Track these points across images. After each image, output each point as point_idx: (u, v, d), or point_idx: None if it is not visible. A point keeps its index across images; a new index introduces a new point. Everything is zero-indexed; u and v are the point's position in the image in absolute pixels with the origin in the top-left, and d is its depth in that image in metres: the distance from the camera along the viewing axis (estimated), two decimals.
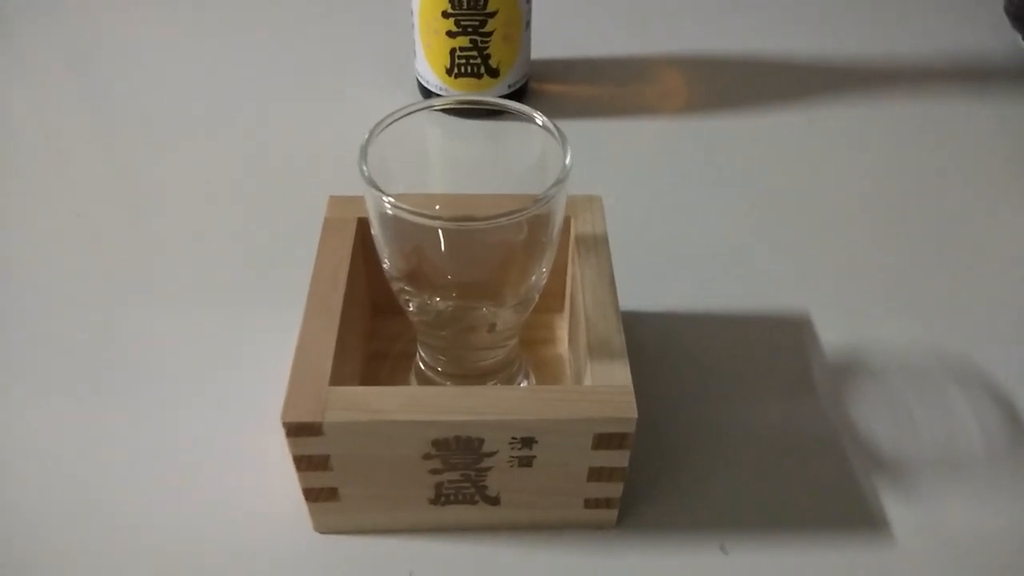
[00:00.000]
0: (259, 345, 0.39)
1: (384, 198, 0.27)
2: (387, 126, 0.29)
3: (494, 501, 0.32)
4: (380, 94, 0.57)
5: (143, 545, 0.33)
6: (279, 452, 0.31)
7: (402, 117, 0.30)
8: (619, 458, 0.30)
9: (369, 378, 0.37)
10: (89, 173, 0.51)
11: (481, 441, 0.29)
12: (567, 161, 0.28)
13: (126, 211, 0.48)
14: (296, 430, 0.28)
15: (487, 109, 0.31)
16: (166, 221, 0.47)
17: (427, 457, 0.29)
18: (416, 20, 0.52)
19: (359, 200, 0.35)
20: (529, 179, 0.31)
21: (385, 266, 0.31)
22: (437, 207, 0.33)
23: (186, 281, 0.44)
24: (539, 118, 0.30)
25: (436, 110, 0.31)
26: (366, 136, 0.29)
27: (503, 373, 0.35)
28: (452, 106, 0.32)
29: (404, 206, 0.27)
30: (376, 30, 0.63)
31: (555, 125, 0.29)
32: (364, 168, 0.28)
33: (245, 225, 0.47)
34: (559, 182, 0.28)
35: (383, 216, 0.28)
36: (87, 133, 0.54)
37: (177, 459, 0.35)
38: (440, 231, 0.28)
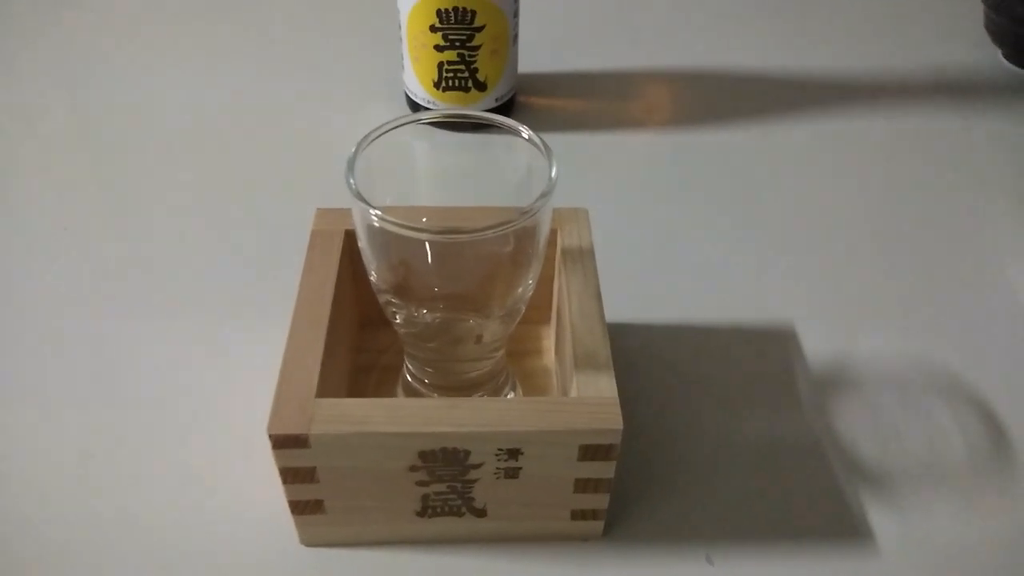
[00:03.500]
0: (246, 357, 0.39)
1: (371, 211, 0.27)
2: (374, 139, 0.29)
3: (480, 513, 0.32)
4: (368, 107, 0.57)
5: (129, 557, 0.32)
6: (265, 464, 0.31)
7: (389, 130, 0.30)
8: (605, 469, 0.30)
9: (355, 390, 0.37)
10: (77, 187, 0.51)
11: (467, 453, 0.29)
12: (553, 174, 0.29)
13: (114, 224, 0.48)
14: (282, 442, 0.28)
15: (474, 122, 0.32)
16: (154, 234, 0.47)
17: (413, 469, 0.30)
18: (404, 34, 0.52)
19: (346, 212, 0.35)
20: (515, 192, 0.31)
21: (372, 278, 0.31)
22: (424, 219, 0.33)
23: (173, 293, 0.44)
24: (525, 132, 0.30)
25: (423, 123, 0.31)
26: (353, 149, 0.29)
27: (490, 384, 0.35)
28: (439, 119, 0.32)
29: (391, 219, 0.27)
30: (364, 43, 0.64)
31: (541, 138, 0.30)
32: (351, 181, 0.28)
33: (232, 237, 0.47)
34: (545, 195, 0.28)
35: (370, 228, 0.28)
36: (75, 146, 0.54)
37: (162, 471, 0.35)
38: (427, 243, 0.28)
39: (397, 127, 0.30)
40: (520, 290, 0.31)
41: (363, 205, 0.27)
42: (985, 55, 0.64)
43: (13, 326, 0.42)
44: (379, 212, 0.27)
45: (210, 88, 0.59)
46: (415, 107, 0.55)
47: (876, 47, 0.65)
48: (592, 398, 0.29)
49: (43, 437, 0.36)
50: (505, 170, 0.33)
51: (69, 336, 0.41)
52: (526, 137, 0.30)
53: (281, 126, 0.56)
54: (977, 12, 0.65)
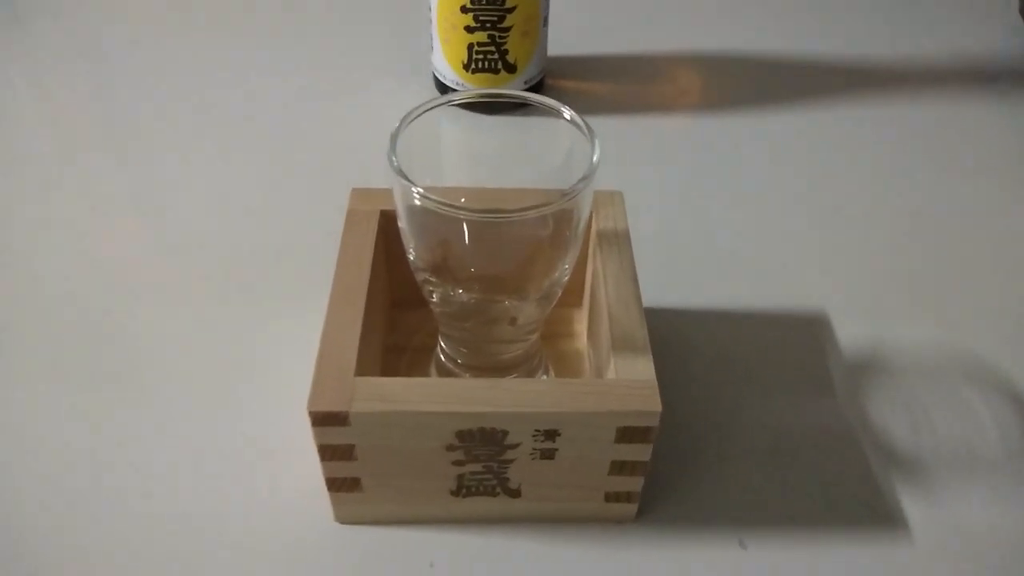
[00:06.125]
0: (283, 335, 0.39)
1: (413, 189, 0.27)
2: (416, 117, 0.29)
3: (515, 493, 0.32)
4: (396, 89, 0.57)
5: (165, 534, 0.33)
6: (300, 442, 0.31)
7: (431, 109, 0.30)
8: (641, 452, 0.30)
9: (388, 370, 0.37)
10: (107, 172, 0.51)
11: (505, 433, 0.29)
12: (595, 157, 0.29)
13: (147, 207, 0.48)
14: (322, 419, 0.28)
15: (511, 103, 0.31)
16: (189, 216, 0.47)
17: (450, 448, 0.30)
18: (434, 15, 0.52)
19: (381, 192, 0.35)
20: (552, 174, 0.31)
21: (410, 257, 0.31)
22: (463, 200, 0.33)
23: (210, 273, 0.44)
24: (567, 112, 0.30)
25: (461, 104, 0.31)
26: (396, 126, 0.29)
27: (524, 367, 0.35)
28: (479, 100, 0.32)
29: (433, 197, 0.27)
30: (392, 25, 0.63)
31: (583, 120, 0.30)
32: (394, 159, 0.28)
33: (267, 218, 0.47)
34: (587, 177, 0.28)
35: (411, 207, 0.28)
36: (106, 131, 0.54)
37: (200, 448, 0.35)
38: (466, 224, 0.28)
39: (439, 105, 0.30)
40: (557, 274, 0.31)
41: (405, 183, 0.27)
42: (1019, 41, 0.63)
43: (47, 311, 0.42)
44: (421, 190, 0.27)
45: (239, 70, 0.59)
46: (444, 89, 0.55)
47: (909, 32, 0.65)
48: (631, 380, 0.29)
49: (81, 418, 0.37)
50: (543, 152, 0.33)
51: (103, 318, 0.41)
52: (568, 118, 0.30)
53: (310, 108, 0.56)
54: None
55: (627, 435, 0.29)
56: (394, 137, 0.28)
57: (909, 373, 0.40)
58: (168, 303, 0.42)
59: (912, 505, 0.34)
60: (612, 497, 0.32)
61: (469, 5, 0.50)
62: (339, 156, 0.51)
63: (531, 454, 0.30)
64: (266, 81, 0.58)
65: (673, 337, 0.40)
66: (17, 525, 0.33)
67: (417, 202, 0.28)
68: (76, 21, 0.63)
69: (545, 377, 0.36)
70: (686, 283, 0.44)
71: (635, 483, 0.32)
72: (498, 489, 0.32)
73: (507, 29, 0.51)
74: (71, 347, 0.40)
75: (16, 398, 0.37)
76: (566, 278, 0.32)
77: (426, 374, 0.36)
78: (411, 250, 0.30)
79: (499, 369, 0.34)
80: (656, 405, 0.29)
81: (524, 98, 0.31)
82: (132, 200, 0.49)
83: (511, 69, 0.53)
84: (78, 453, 0.35)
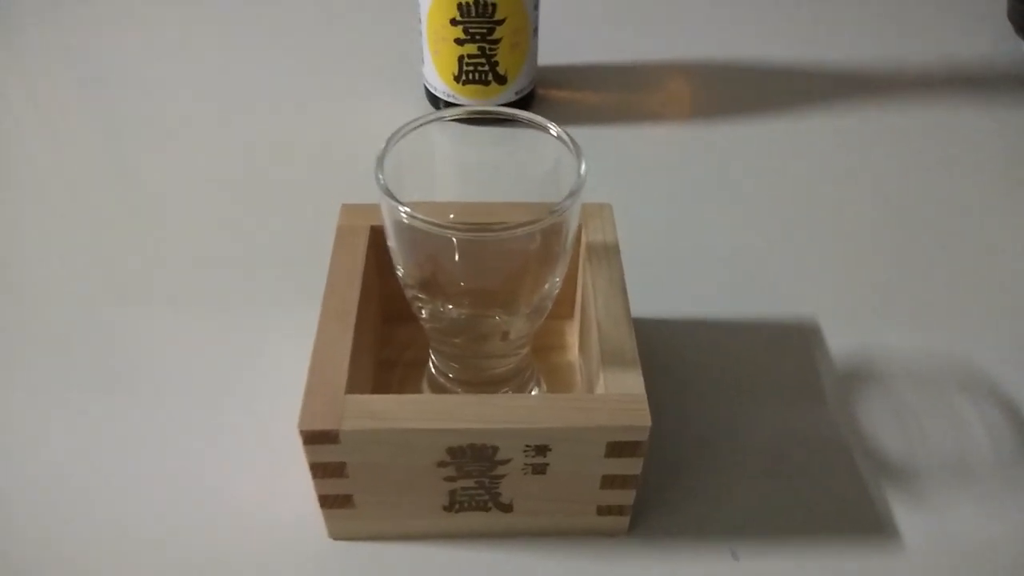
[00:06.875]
0: (273, 352, 0.40)
1: (400, 208, 0.27)
2: (403, 136, 0.29)
3: (507, 508, 0.32)
4: (387, 101, 0.57)
5: (159, 551, 0.33)
6: (293, 459, 0.31)
7: (417, 127, 0.30)
8: (632, 466, 0.30)
9: (380, 385, 0.37)
10: (98, 181, 0.51)
11: (495, 449, 0.29)
12: (582, 172, 0.29)
13: (137, 219, 0.49)
14: (313, 438, 0.28)
15: (501, 118, 0.32)
16: (178, 229, 0.47)
17: (442, 465, 0.30)
18: (424, 27, 0.52)
19: (371, 208, 0.35)
20: (542, 187, 0.31)
21: (399, 274, 0.31)
22: (451, 215, 0.33)
23: (201, 288, 0.44)
24: (553, 129, 0.30)
25: (451, 120, 0.31)
26: (383, 146, 0.29)
27: (515, 380, 0.35)
28: (467, 116, 0.32)
29: (420, 215, 0.27)
30: (384, 37, 0.64)
31: (569, 135, 0.30)
32: (380, 177, 0.28)
33: (256, 233, 0.47)
34: (574, 193, 0.28)
35: (398, 225, 0.28)
36: (93, 142, 0.54)
37: (192, 466, 0.35)
38: (454, 240, 0.28)
39: (426, 123, 0.30)
40: (547, 287, 0.31)
41: (392, 202, 0.28)
42: (1008, 46, 0.64)
43: (37, 320, 0.42)
44: (408, 209, 0.27)
45: (229, 81, 0.59)
46: (434, 101, 0.55)
47: (897, 38, 0.65)
48: (620, 395, 0.29)
49: (69, 432, 0.37)
50: (531, 165, 0.33)
51: (93, 332, 0.41)
52: (555, 134, 0.30)
53: (301, 120, 0.56)
54: (1000, 1, 0.64)
55: (617, 450, 0.29)
56: (380, 158, 0.28)
57: (900, 381, 0.40)
58: (157, 318, 0.42)
59: (904, 513, 0.34)
60: (604, 510, 0.32)
61: (459, 17, 0.50)
62: (330, 171, 0.51)
63: (522, 469, 0.30)
64: (258, 92, 0.58)
65: (664, 347, 0.40)
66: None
67: (404, 220, 0.28)
68: (67, 30, 0.63)
69: (537, 390, 0.36)
70: (677, 292, 0.44)
71: (627, 496, 0.32)
72: (490, 504, 0.32)
73: (497, 41, 0.51)
74: (59, 360, 0.40)
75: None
76: (556, 291, 0.32)
77: (419, 389, 0.36)
78: (400, 267, 0.31)
79: (491, 383, 0.34)
80: (645, 420, 0.29)
81: (508, 115, 0.31)
82: (118, 213, 0.49)
83: (502, 80, 0.53)
84: (66, 468, 0.35)
